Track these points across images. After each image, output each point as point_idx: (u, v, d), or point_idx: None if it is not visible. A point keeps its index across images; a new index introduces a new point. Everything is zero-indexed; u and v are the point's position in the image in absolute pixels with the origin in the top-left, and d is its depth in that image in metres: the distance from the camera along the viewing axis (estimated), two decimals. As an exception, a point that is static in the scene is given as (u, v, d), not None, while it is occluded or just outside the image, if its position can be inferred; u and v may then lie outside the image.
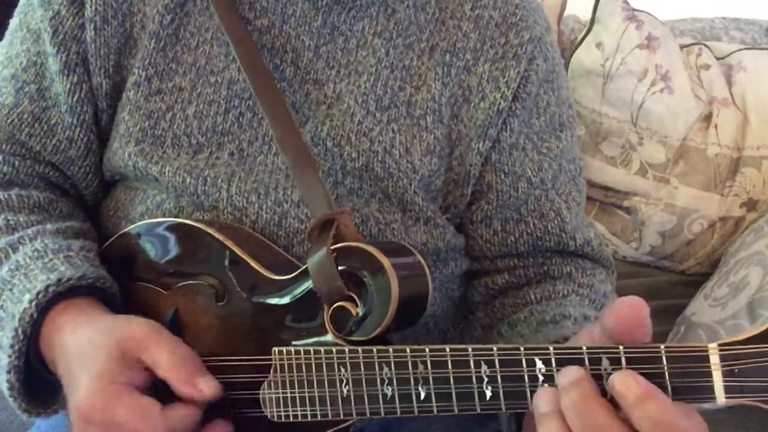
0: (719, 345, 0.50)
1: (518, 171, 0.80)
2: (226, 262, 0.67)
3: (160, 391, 0.62)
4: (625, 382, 0.50)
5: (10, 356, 0.64)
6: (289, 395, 0.62)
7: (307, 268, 0.63)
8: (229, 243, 0.67)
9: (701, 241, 1.39)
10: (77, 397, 0.61)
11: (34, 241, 0.70)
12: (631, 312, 0.52)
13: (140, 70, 0.75)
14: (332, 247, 0.62)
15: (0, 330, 0.66)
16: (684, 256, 1.40)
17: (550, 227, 0.81)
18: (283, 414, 0.62)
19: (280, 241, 0.71)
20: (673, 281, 1.40)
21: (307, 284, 0.63)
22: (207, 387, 0.62)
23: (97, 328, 0.64)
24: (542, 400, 0.53)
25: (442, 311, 0.81)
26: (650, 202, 1.38)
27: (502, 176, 0.79)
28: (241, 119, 0.75)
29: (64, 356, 0.64)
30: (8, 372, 0.64)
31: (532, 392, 0.54)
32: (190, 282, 0.68)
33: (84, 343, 0.63)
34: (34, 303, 0.64)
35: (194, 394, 0.62)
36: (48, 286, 0.64)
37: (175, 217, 0.73)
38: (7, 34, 0.81)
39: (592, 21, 1.39)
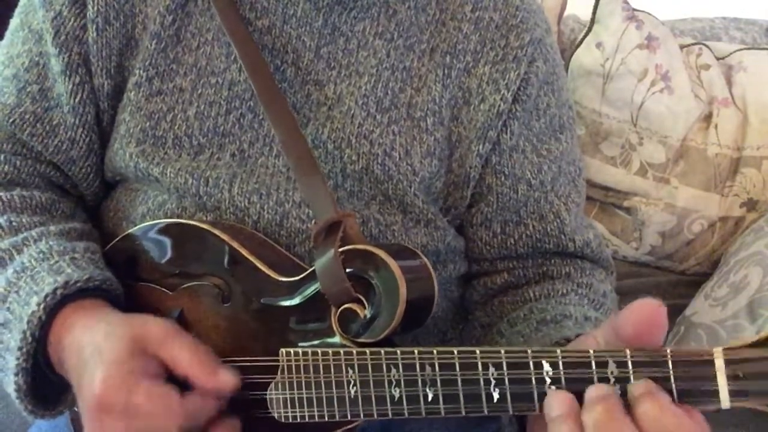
0: (724, 350, 0.50)
1: (518, 173, 0.80)
2: (231, 263, 0.67)
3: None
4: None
5: (17, 358, 0.64)
6: (296, 396, 0.62)
7: (314, 270, 0.63)
8: (234, 243, 0.67)
9: (701, 241, 1.39)
10: (93, 387, 0.59)
11: (39, 242, 0.70)
12: (649, 316, 0.52)
13: (141, 71, 0.75)
14: (340, 250, 0.62)
15: (8, 332, 0.66)
16: (684, 256, 1.40)
17: (549, 229, 0.81)
18: (290, 415, 0.62)
19: (282, 241, 0.71)
20: (673, 281, 1.40)
21: (315, 286, 0.63)
22: (228, 379, 0.61)
23: (112, 323, 0.63)
24: (554, 404, 0.53)
25: (442, 312, 0.81)
26: (650, 202, 1.37)
27: (502, 178, 0.79)
28: (242, 120, 0.75)
29: (76, 350, 0.63)
30: (16, 374, 0.64)
31: (540, 395, 0.54)
32: (195, 283, 0.68)
33: (101, 337, 0.61)
34: (42, 306, 0.64)
35: (216, 386, 0.61)
36: (56, 289, 0.64)
37: (178, 217, 0.73)
38: (8, 33, 0.81)
39: (592, 21, 1.39)
